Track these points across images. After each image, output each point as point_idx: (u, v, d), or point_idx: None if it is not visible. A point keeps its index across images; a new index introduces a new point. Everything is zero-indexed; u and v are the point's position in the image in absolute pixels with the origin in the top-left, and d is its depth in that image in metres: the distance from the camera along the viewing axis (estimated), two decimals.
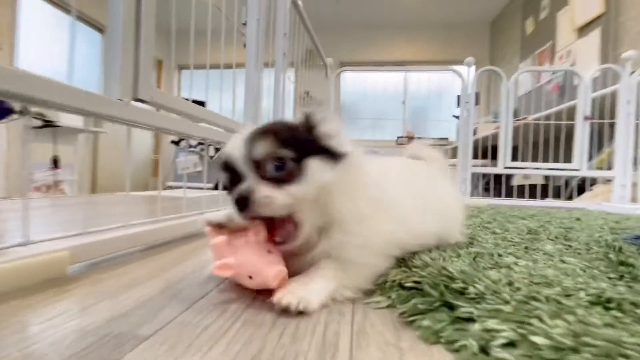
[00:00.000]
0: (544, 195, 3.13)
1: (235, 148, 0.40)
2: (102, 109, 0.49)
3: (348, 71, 2.42)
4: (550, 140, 2.47)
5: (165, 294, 0.40)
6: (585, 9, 3.50)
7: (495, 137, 3.12)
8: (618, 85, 2.09)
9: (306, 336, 0.31)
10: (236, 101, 0.97)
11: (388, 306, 0.37)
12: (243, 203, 0.38)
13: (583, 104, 2.09)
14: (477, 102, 4.64)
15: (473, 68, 2.20)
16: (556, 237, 0.71)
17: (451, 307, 0.33)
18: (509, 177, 3.22)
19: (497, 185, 3.20)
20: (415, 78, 2.71)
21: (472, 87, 2.17)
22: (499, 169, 2.21)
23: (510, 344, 0.27)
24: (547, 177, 3.06)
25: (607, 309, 0.32)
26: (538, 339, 0.26)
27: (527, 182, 3.58)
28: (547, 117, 2.58)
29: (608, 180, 2.24)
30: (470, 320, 0.31)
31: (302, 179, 0.39)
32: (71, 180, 3.39)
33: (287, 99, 1.44)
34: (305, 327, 0.32)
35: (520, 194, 3.28)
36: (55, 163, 3.16)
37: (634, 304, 0.32)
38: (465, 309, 0.31)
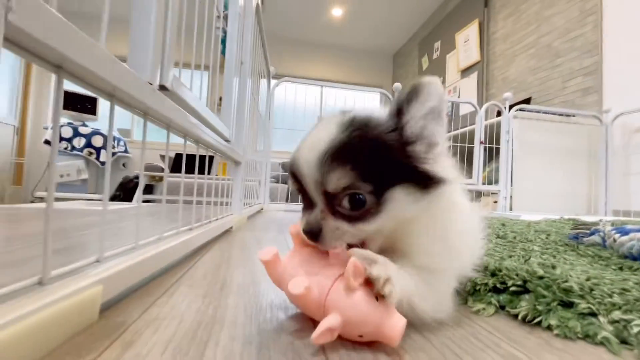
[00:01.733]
0: None
1: (304, 163, 0.32)
2: (132, 89, 0.37)
3: (288, 82, 2.42)
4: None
5: (259, 309, 0.32)
6: (466, 56, 4.37)
7: None
8: (497, 119, 2.68)
9: (476, 348, 0.29)
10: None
11: (495, 311, 0.39)
12: (312, 236, 0.33)
13: (479, 131, 2.58)
14: None
15: (371, 98, 2.48)
16: (523, 240, 0.86)
17: (564, 305, 0.37)
18: None
19: None
20: (332, 95, 2.88)
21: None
22: None
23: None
24: None
25: None
26: None
27: None
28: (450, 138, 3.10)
29: (493, 193, 2.81)
30: (591, 314, 0.35)
31: (381, 214, 0.32)
32: None
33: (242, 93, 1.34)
34: (473, 337, 0.31)
35: None
36: None
37: None
38: (583, 304, 0.35)
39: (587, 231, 0.83)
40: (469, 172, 2.70)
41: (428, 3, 4.88)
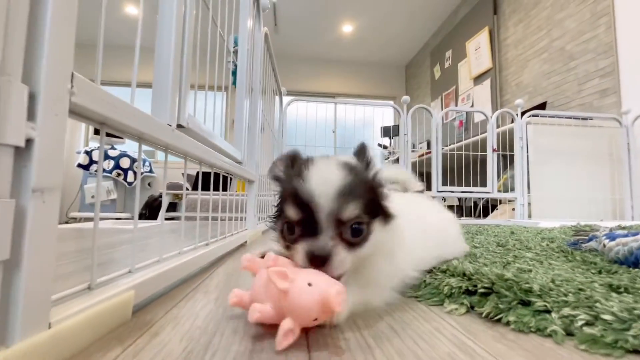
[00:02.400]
0: (460, 214, 3.67)
1: (321, 195, 0.37)
2: (158, 133, 0.47)
3: (300, 101, 2.53)
4: (460, 168, 2.96)
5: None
6: (478, 63, 4.37)
7: (420, 164, 3.57)
8: (511, 125, 2.67)
9: (435, 339, 0.35)
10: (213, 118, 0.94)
11: (467, 311, 0.44)
12: (320, 261, 0.37)
13: (491, 139, 2.58)
14: (397, 134, 5.26)
15: (386, 110, 2.54)
16: (521, 248, 0.89)
17: (524, 304, 0.42)
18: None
19: None
20: (343, 109, 2.99)
21: (408, 121, 2.50)
22: (432, 193, 2.53)
23: (586, 324, 0.36)
24: (459, 199, 3.61)
25: (619, 292, 0.44)
26: (606, 316, 0.36)
27: (446, 204, 4.14)
28: (458, 147, 3.10)
29: (510, 200, 2.77)
30: (545, 311, 0.40)
31: (368, 243, 0.40)
32: None
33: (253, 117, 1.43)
34: (426, 333, 0.37)
35: None
36: None
37: (632, 287, 0.45)
38: (539, 303, 0.40)
39: (586, 237, 0.85)
40: (483, 180, 2.69)
41: (437, 13, 4.95)
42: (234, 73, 1.06)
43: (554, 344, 0.35)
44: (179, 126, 0.55)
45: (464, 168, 2.90)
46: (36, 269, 0.26)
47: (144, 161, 4.18)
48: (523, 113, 2.63)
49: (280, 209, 0.43)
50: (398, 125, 5.23)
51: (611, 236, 0.69)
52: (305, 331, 0.36)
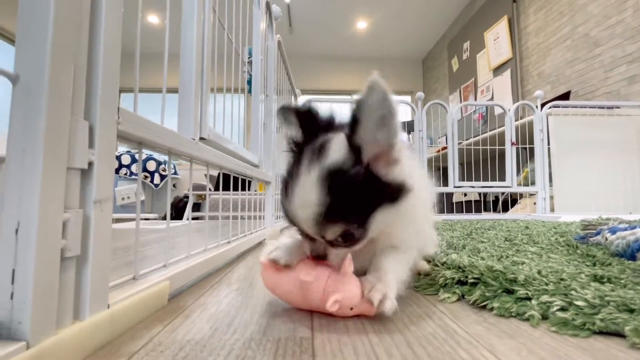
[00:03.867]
0: (480, 209, 3.62)
1: (302, 221, 0.38)
2: (183, 147, 0.55)
3: (314, 102, 2.59)
4: (479, 162, 2.92)
5: (276, 305, 0.47)
6: (497, 54, 4.26)
7: (436, 159, 3.55)
8: (531, 117, 2.61)
9: (422, 320, 0.40)
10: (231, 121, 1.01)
11: (458, 299, 0.49)
12: (320, 258, 0.43)
13: (509, 132, 2.54)
14: (413, 129, 5.20)
15: (424, 100, 2.54)
16: (528, 242, 0.91)
17: (508, 292, 0.46)
18: (452, 194, 3.67)
19: (438, 203, 3.60)
20: None
21: (423, 118, 2.50)
22: (449, 188, 2.53)
23: (560, 309, 0.40)
24: (480, 194, 3.56)
25: (601, 282, 0.48)
26: (579, 302, 0.40)
27: (466, 199, 4.09)
28: (476, 142, 3.05)
29: (532, 194, 2.71)
30: (527, 298, 0.44)
31: (367, 233, 0.40)
32: None
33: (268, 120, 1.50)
34: (417, 315, 0.42)
35: (460, 209, 3.72)
36: None
37: (615, 278, 0.49)
38: (521, 291, 0.45)
39: (594, 231, 0.86)
40: (503, 174, 2.65)
41: (454, 4, 4.85)
42: (249, 82, 1.14)
43: (529, 326, 0.39)
44: (201, 139, 0.63)
45: (484, 162, 2.86)
46: (98, 262, 0.34)
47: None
48: (544, 104, 2.57)
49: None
50: (413, 121, 5.21)
51: (613, 230, 0.71)
52: (311, 312, 0.43)
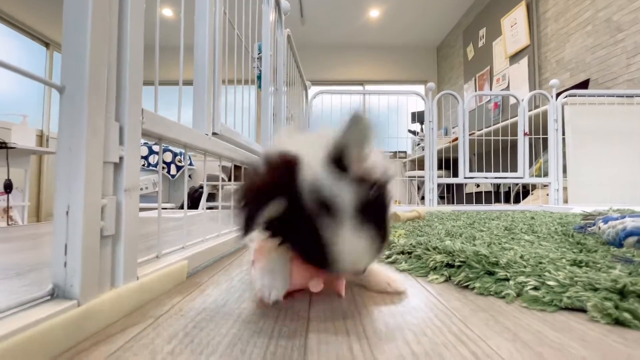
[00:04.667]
0: (495, 200, 3.59)
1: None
2: (197, 141, 0.61)
3: (325, 93, 2.62)
4: (493, 152, 2.89)
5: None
6: (514, 41, 4.14)
7: (447, 150, 3.53)
8: (547, 107, 2.56)
9: (408, 298, 0.46)
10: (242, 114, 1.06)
11: (445, 280, 0.54)
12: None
13: (522, 122, 2.50)
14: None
15: (434, 91, 2.53)
16: (526, 231, 0.94)
17: (490, 274, 0.51)
18: (463, 185, 3.65)
19: (448, 194, 3.59)
20: (374, 95, 3.01)
21: (434, 109, 2.50)
22: (460, 179, 2.53)
23: (534, 288, 0.45)
24: (494, 185, 3.52)
25: (580, 266, 0.52)
26: (550, 282, 0.44)
27: (478, 190, 4.05)
28: (489, 132, 3.02)
29: (545, 185, 2.68)
30: (506, 279, 0.49)
31: None
32: (22, 206, 3.13)
33: (282, 112, 1.56)
34: (412, 294, 0.47)
35: (472, 201, 3.71)
36: (7, 188, 2.90)
37: (593, 262, 0.52)
38: (501, 273, 0.49)
39: (592, 222, 0.88)
40: (516, 165, 2.62)
41: None
42: (259, 77, 1.19)
43: (503, 303, 0.44)
44: (214, 134, 0.69)
45: (498, 153, 2.84)
46: (129, 241, 0.41)
47: (183, 154, 4.52)
48: (560, 94, 2.51)
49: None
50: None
51: (606, 220, 0.73)
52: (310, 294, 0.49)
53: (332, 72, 6.00)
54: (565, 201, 2.45)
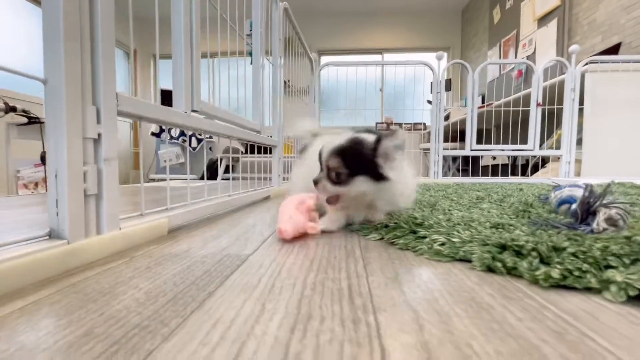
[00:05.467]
0: (510, 173, 3.52)
1: (324, 153, 0.68)
2: (175, 119, 0.71)
3: (331, 65, 2.62)
4: (511, 124, 2.81)
5: (240, 239, 0.64)
6: (544, 1, 3.83)
7: (463, 122, 3.44)
8: (565, 75, 2.43)
9: (337, 249, 0.55)
10: (237, 88, 1.14)
11: (380, 238, 0.63)
12: (314, 183, 0.70)
13: (536, 92, 2.41)
14: (448, 89, 4.96)
15: (444, 60, 2.47)
16: (495, 201, 0.99)
17: (415, 233, 0.59)
18: (478, 158, 3.59)
19: (466, 166, 3.55)
20: (387, 66, 2.98)
21: (442, 80, 2.45)
22: (466, 152, 2.51)
23: (441, 244, 0.53)
24: (510, 157, 3.44)
25: (497, 228, 0.58)
26: (455, 239, 0.52)
27: (494, 162, 3.97)
28: (508, 102, 2.91)
29: (559, 158, 2.61)
30: (424, 237, 0.57)
31: (349, 185, 0.66)
32: None
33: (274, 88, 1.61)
34: (337, 245, 0.57)
35: (488, 173, 3.65)
36: (43, 160, 3.20)
37: (511, 225, 0.59)
38: (421, 232, 0.57)
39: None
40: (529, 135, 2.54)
41: None
42: (251, 54, 1.25)
43: (413, 255, 0.53)
44: (194, 111, 0.78)
45: (517, 124, 2.75)
46: (110, 199, 0.52)
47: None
48: (583, 62, 2.36)
49: None
50: (449, 80, 4.94)
51: (558, 189, 0.77)
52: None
53: (350, 40, 5.82)
54: (578, 174, 2.39)
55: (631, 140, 2.25)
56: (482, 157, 3.81)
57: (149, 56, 5.59)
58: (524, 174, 3.26)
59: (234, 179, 3.57)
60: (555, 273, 0.38)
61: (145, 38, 5.37)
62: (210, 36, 0.90)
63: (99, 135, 0.51)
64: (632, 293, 0.34)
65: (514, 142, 2.67)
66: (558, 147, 2.56)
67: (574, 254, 0.41)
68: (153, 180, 4.23)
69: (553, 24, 3.72)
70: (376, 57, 5.87)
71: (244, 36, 1.11)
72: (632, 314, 0.32)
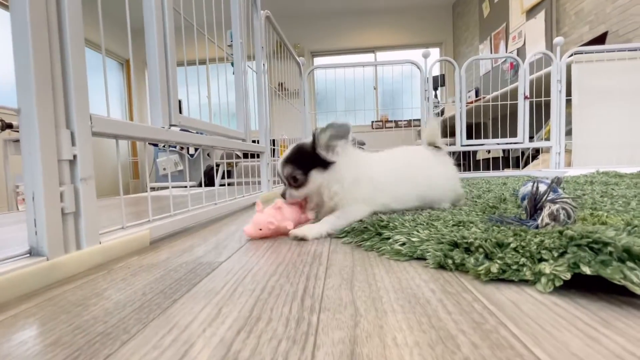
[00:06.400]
0: (505, 166, 3.54)
1: (278, 165, 0.79)
2: (153, 135, 0.74)
3: (320, 68, 2.65)
4: (503, 117, 2.83)
5: (219, 247, 0.67)
6: None
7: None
8: (551, 67, 2.45)
9: (306, 254, 0.58)
10: (218, 96, 1.16)
11: (350, 242, 0.66)
12: (282, 195, 0.80)
13: (523, 85, 2.43)
14: (443, 84, 4.97)
15: (431, 57, 2.49)
16: (473, 198, 1.02)
17: (380, 235, 0.62)
18: (473, 152, 3.61)
19: (463, 160, 3.57)
20: (371, 67, 2.99)
21: (430, 77, 2.47)
22: (457, 147, 2.54)
23: (402, 244, 0.56)
24: (504, 150, 3.46)
25: (458, 226, 0.61)
26: (414, 238, 0.55)
27: (488, 156, 3.98)
28: (498, 96, 2.93)
29: (549, 150, 2.63)
30: (389, 238, 0.60)
31: (307, 183, 0.77)
32: None
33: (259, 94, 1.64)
34: (305, 250, 0.60)
35: (484, 167, 3.68)
36: None
37: (471, 222, 0.62)
38: (386, 234, 0.60)
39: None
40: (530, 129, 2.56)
41: None
42: (233, 64, 1.28)
43: (376, 255, 0.56)
44: (172, 125, 0.82)
45: (507, 117, 2.78)
46: (89, 215, 0.56)
47: (201, 134, 4.75)
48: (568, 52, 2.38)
49: None
50: (444, 75, 4.96)
51: (525, 184, 0.80)
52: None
53: (343, 40, 5.84)
54: (569, 164, 2.41)
55: (619, 129, 2.27)
56: (478, 151, 3.83)
57: (143, 64, 5.65)
58: (518, 166, 3.28)
59: (229, 184, 3.60)
60: (495, 268, 0.41)
61: (134, 48, 5.43)
62: (189, 47, 0.93)
63: (75, 156, 0.54)
64: (557, 284, 0.37)
65: (507, 135, 2.70)
66: (549, 139, 2.58)
67: (515, 249, 0.44)
68: (153, 189, 4.26)
69: (541, 16, 3.74)
70: (370, 56, 5.90)
71: (223, 47, 1.15)
72: (556, 302, 0.35)
